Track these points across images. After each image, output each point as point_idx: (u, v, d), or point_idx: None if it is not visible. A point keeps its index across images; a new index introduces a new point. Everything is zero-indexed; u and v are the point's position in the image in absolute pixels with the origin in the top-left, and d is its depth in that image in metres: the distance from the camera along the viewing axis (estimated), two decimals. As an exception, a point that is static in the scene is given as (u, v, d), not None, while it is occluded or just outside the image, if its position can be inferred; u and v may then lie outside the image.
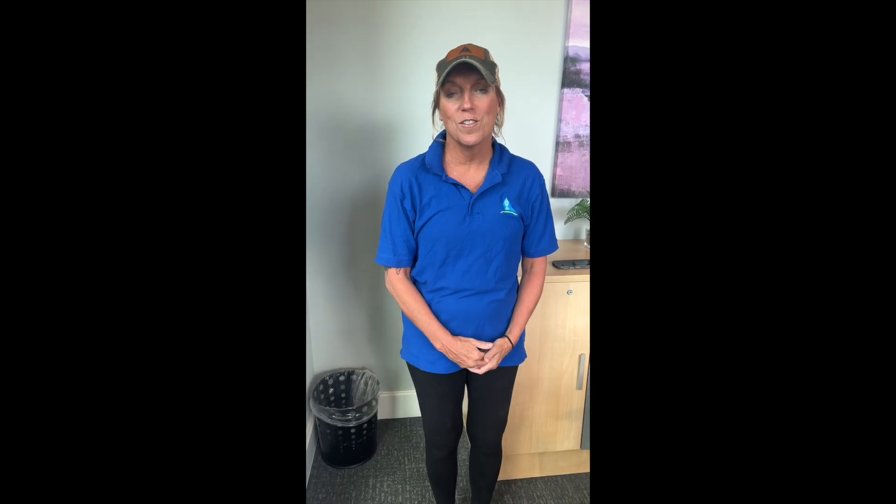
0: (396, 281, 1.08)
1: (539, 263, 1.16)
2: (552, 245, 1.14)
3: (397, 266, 1.07)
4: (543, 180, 1.11)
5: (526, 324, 1.15)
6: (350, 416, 1.63)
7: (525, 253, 1.14)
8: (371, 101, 1.63)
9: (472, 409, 1.24)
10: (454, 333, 1.08)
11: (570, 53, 1.65)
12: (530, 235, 1.11)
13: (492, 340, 1.10)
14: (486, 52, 0.94)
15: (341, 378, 1.84)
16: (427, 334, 1.09)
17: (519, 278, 1.18)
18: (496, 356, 1.08)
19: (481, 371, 1.08)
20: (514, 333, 1.12)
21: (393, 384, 1.97)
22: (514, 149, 1.25)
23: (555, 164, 1.76)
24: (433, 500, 1.49)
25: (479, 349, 1.08)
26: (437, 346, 1.08)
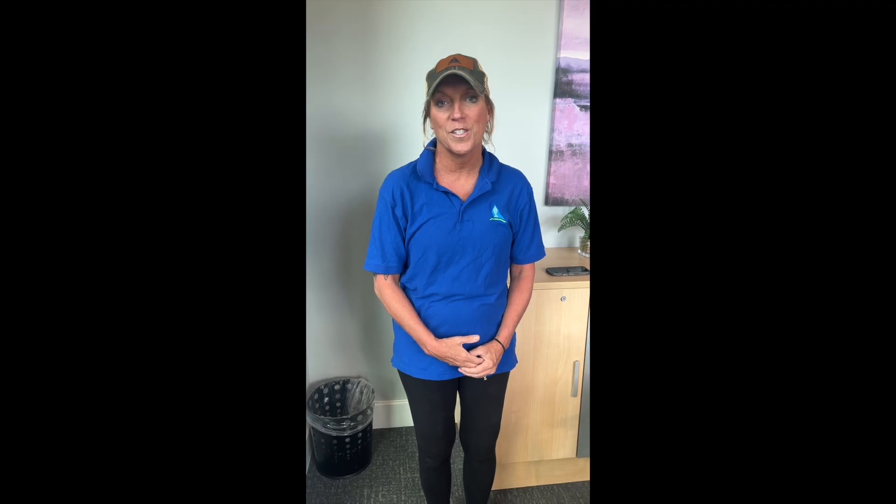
0: (384, 287, 1.09)
1: (528, 270, 1.17)
2: (540, 252, 1.16)
3: (386, 273, 1.08)
4: (531, 189, 1.12)
5: (515, 327, 1.16)
6: (345, 424, 1.62)
7: (514, 259, 1.16)
8: (366, 111, 1.66)
9: (464, 417, 1.24)
10: (445, 338, 1.09)
11: (562, 65, 1.68)
12: (519, 242, 1.13)
13: (482, 344, 1.11)
14: (474, 61, 0.97)
15: (336, 387, 1.84)
16: (414, 339, 1.10)
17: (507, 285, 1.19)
18: (489, 356, 1.08)
19: (478, 373, 1.08)
20: (503, 336, 1.12)
21: (388, 393, 1.96)
22: (509, 158, 1.27)
23: (548, 173, 1.79)
24: (428, 509, 1.48)
25: (465, 345, 1.09)
26: (426, 350, 1.09)
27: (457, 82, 0.93)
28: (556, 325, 1.51)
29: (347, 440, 1.65)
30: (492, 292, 1.10)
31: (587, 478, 1.73)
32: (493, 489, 1.63)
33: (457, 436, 1.46)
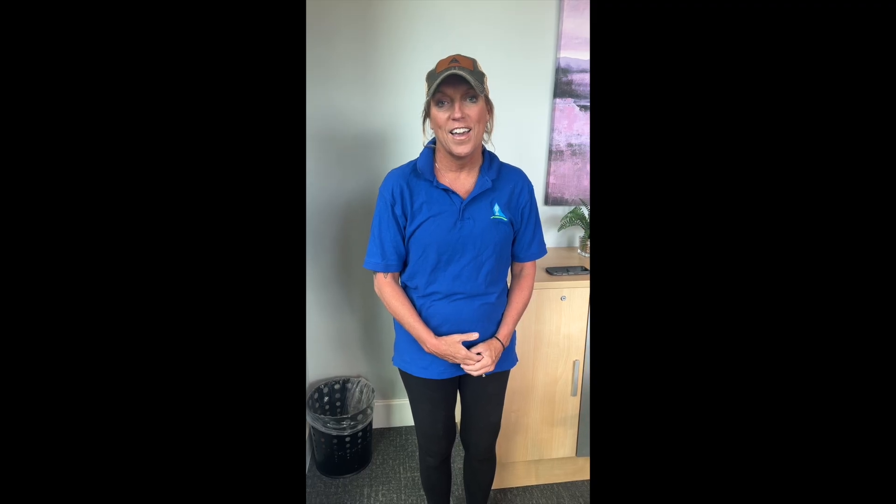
0: (384, 285, 1.10)
1: (528, 268, 1.17)
2: (541, 250, 1.16)
3: (385, 271, 1.08)
4: (532, 187, 1.12)
5: (515, 326, 1.16)
6: (345, 423, 1.62)
7: (515, 257, 1.16)
8: (366, 111, 1.66)
9: (464, 415, 1.25)
10: (445, 336, 1.09)
11: (562, 65, 1.68)
12: (520, 240, 1.13)
13: (482, 341, 1.11)
14: (474, 61, 0.97)
15: (336, 386, 1.84)
16: (414, 337, 1.10)
17: (508, 282, 1.20)
18: (488, 353, 1.09)
19: (476, 371, 1.08)
20: (503, 334, 1.13)
21: (388, 392, 1.97)
22: (509, 157, 1.27)
23: (548, 173, 1.79)
24: (428, 508, 1.49)
25: (465, 342, 1.09)
26: (425, 348, 1.09)
27: (457, 82, 0.93)
28: (556, 325, 1.51)
29: (347, 439, 1.66)
30: (492, 291, 1.10)
31: (587, 477, 1.73)
32: (493, 488, 1.64)
33: (457, 435, 1.46)
